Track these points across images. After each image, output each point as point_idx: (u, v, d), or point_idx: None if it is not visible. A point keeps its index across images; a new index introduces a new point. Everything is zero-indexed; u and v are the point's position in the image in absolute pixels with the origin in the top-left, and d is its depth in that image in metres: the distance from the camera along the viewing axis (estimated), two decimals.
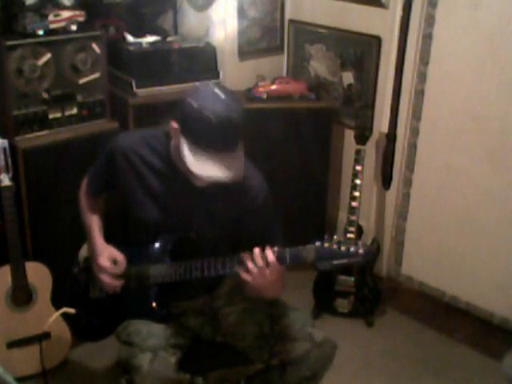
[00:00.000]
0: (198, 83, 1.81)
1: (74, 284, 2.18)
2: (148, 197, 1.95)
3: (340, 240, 1.68)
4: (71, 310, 2.13)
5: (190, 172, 1.73)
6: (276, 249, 1.75)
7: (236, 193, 1.89)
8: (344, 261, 1.68)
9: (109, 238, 2.04)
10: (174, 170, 1.87)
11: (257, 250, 1.76)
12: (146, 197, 1.95)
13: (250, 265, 1.76)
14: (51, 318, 2.19)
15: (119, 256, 1.96)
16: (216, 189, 1.83)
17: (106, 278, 1.95)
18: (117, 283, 1.96)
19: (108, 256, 1.96)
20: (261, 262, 1.75)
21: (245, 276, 1.79)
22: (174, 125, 1.77)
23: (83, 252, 2.18)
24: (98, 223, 2.08)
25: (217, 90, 1.72)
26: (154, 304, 1.97)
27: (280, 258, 1.74)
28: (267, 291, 1.83)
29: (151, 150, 1.93)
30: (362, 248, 1.67)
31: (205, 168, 1.70)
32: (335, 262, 1.68)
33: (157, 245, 1.97)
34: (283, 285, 1.86)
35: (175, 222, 1.95)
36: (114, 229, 2.11)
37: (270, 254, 1.75)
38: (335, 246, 1.67)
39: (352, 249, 1.67)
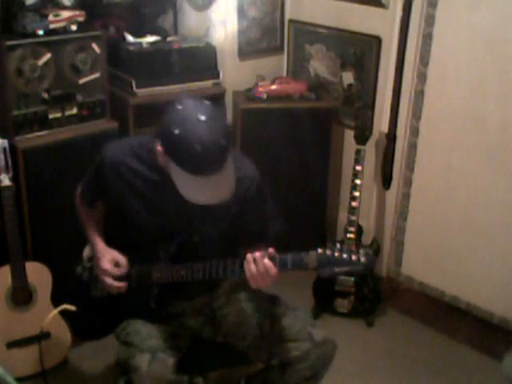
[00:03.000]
0: (176, 103, 1.74)
1: (76, 283, 2.19)
2: (145, 207, 1.95)
3: (342, 248, 1.69)
4: (71, 307, 2.13)
5: None
6: (277, 255, 1.75)
7: None
8: (345, 268, 1.68)
9: (110, 243, 2.05)
10: (164, 177, 1.85)
11: (258, 254, 1.75)
12: (142, 207, 1.95)
13: (253, 267, 1.76)
14: (50, 315, 2.19)
15: (121, 258, 1.98)
16: None
17: (109, 281, 1.97)
18: (121, 285, 1.97)
19: (110, 259, 1.98)
20: (261, 267, 1.74)
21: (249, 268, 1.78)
22: (159, 147, 1.74)
23: (87, 251, 2.19)
24: (97, 229, 2.09)
25: (198, 113, 1.67)
26: (153, 304, 1.97)
27: (281, 264, 1.74)
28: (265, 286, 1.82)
29: (139, 160, 1.92)
30: (363, 256, 1.67)
31: (195, 193, 1.70)
32: (337, 270, 1.68)
33: (159, 248, 1.96)
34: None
35: (176, 227, 1.95)
36: (114, 234, 2.11)
37: (271, 266, 1.74)
38: (337, 254, 1.68)
39: (354, 257, 1.67)
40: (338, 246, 1.70)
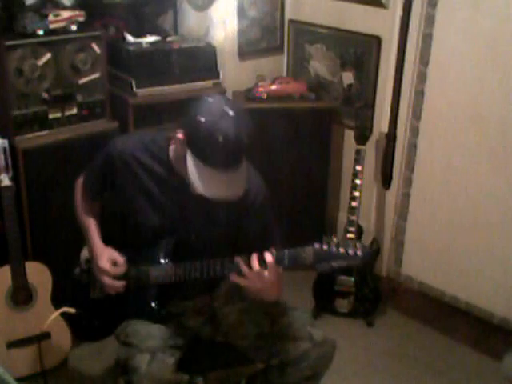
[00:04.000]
0: (206, 96, 1.78)
1: (75, 285, 2.19)
2: (147, 202, 1.95)
3: (339, 242, 1.69)
4: (71, 310, 2.13)
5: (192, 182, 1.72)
6: (274, 252, 1.75)
7: None
8: (343, 262, 1.69)
9: (107, 241, 2.04)
10: (173, 175, 1.87)
11: (254, 254, 1.76)
12: (145, 202, 1.95)
13: (245, 269, 1.77)
14: (51, 317, 2.19)
15: (119, 258, 1.97)
16: None
17: (107, 280, 1.96)
18: (119, 284, 1.96)
19: (108, 258, 1.97)
20: (257, 266, 1.75)
21: (240, 281, 1.79)
22: (180, 135, 1.75)
23: (85, 253, 2.18)
24: (95, 226, 2.08)
25: (226, 107, 1.70)
26: (153, 304, 1.97)
27: (278, 260, 1.74)
28: (265, 294, 1.83)
29: (150, 155, 1.93)
30: (360, 250, 1.68)
31: (209, 186, 1.70)
32: (334, 264, 1.69)
33: (157, 247, 1.96)
34: (281, 287, 1.86)
35: (175, 225, 1.95)
36: (112, 232, 2.10)
37: (269, 256, 1.75)
38: (334, 248, 1.68)
39: (350, 251, 1.68)
40: (335, 239, 1.70)
